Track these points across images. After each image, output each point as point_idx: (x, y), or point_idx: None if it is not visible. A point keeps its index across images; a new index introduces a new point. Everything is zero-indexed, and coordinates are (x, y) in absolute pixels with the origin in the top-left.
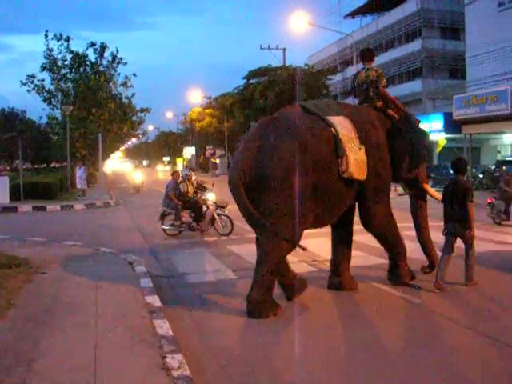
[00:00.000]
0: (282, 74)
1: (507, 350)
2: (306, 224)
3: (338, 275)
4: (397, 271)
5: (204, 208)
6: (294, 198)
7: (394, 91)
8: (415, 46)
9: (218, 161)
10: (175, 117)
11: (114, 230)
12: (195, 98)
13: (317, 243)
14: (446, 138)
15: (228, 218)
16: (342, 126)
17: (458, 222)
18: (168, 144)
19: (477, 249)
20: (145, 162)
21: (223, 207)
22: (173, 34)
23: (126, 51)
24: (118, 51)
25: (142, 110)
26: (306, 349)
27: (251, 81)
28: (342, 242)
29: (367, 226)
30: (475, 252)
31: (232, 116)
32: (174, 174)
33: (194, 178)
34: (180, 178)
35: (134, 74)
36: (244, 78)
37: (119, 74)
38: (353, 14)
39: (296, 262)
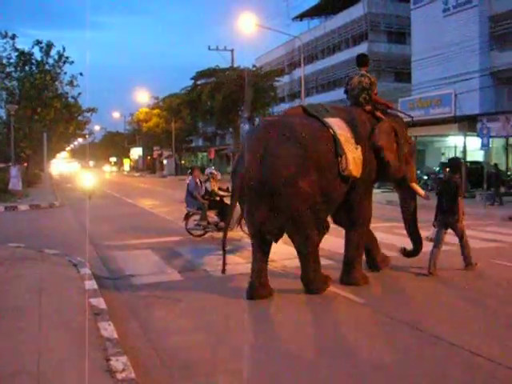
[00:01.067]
0: (229, 75)
1: (447, 347)
2: (324, 213)
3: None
4: (353, 274)
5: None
6: (305, 197)
7: (340, 94)
8: (362, 49)
9: (165, 161)
10: (122, 117)
11: (59, 231)
12: (143, 98)
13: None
14: None
15: None
16: (339, 126)
17: (450, 215)
18: (115, 144)
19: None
20: (91, 163)
21: None
22: (120, 33)
23: (72, 50)
24: (64, 50)
25: (89, 110)
26: (253, 348)
27: (199, 82)
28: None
29: (353, 220)
30: (467, 240)
31: (179, 117)
32: (193, 171)
33: (219, 176)
34: (205, 176)
35: (81, 74)
36: (192, 79)
37: (65, 73)
38: (301, 17)
39: (242, 263)
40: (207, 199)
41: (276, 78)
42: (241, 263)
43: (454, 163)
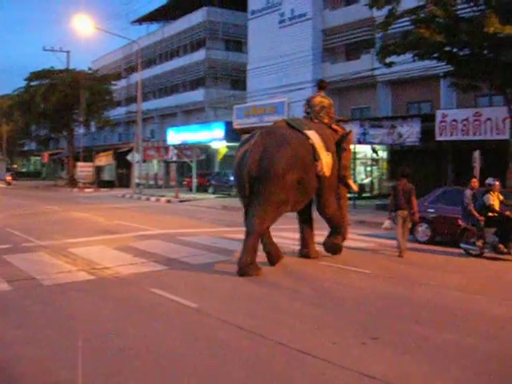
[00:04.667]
0: (65, 77)
1: (276, 346)
2: (288, 207)
3: (305, 247)
4: (334, 241)
5: None
6: (287, 188)
7: (177, 99)
8: (199, 55)
9: None
10: None
11: None
12: None
13: (96, 251)
14: (227, 147)
15: None
16: (314, 137)
17: (406, 210)
18: None
19: None
20: None
21: None
22: None
23: None
24: None
25: None
26: (84, 359)
27: (33, 83)
28: (307, 224)
29: (323, 211)
30: (408, 231)
31: (11, 119)
32: (471, 182)
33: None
34: (478, 188)
35: None
36: (25, 80)
37: None
38: (140, 21)
39: (74, 270)
40: (485, 215)
41: (113, 82)
42: (72, 271)
43: (404, 170)
